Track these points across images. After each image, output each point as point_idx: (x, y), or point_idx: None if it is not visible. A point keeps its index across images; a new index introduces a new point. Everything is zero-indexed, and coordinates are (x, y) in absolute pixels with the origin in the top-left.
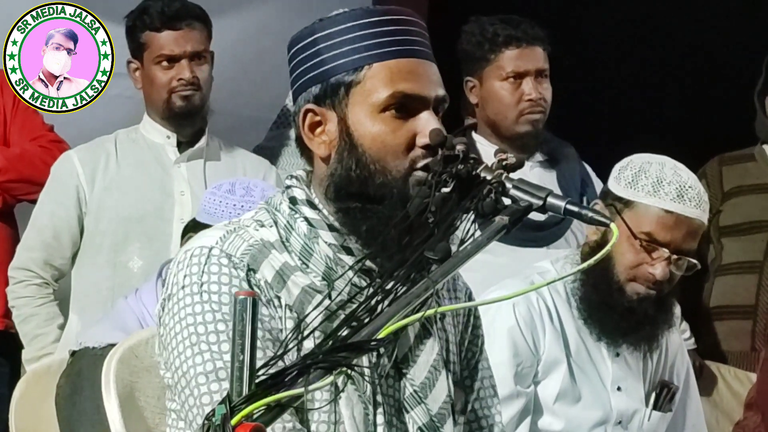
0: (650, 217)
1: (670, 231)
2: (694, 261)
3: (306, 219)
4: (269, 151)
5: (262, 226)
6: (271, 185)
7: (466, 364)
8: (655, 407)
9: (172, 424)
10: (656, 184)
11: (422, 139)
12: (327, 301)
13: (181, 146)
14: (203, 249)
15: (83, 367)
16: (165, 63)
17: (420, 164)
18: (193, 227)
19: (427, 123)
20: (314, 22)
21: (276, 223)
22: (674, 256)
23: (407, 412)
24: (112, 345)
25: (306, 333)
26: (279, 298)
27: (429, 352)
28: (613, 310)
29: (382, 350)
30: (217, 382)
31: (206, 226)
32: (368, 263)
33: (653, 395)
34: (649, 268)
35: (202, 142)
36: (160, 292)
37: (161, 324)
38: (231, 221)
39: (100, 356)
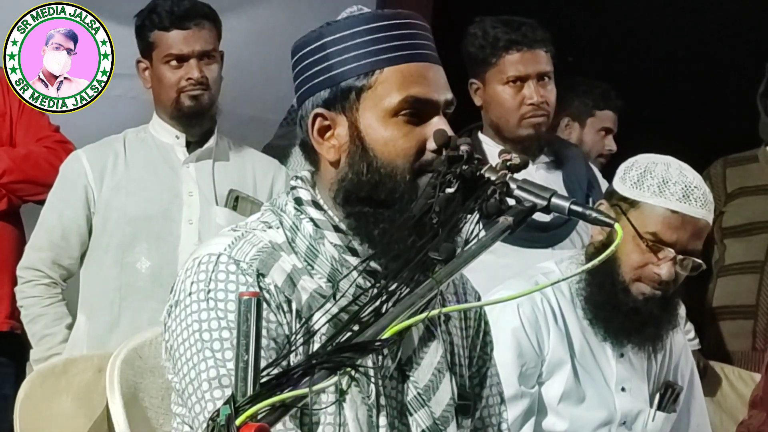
0: (656, 218)
1: (676, 231)
2: (699, 261)
3: (312, 220)
4: (279, 149)
5: (270, 227)
6: None
7: (477, 372)
8: (659, 408)
9: (178, 428)
10: (662, 185)
11: (433, 144)
12: (332, 305)
13: (190, 146)
14: (211, 256)
15: None
16: (174, 62)
17: (430, 168)
18: None
19: (437, 128)
20: (321, 26)
21: (282, 224)
22: (679, 257)
23: (411, 414)
24: None
25: (312, 337)
26: (290, 302)
27: (433, 355)
28: (618, 311)
29: (385, 352)
30: (221, 389)
31: None
32: (373, 264)
33: (657, 396)
34: (654, 269)
35: (211, 142)
36: None
37: (167, 330)
38: (238, 225)
39: None
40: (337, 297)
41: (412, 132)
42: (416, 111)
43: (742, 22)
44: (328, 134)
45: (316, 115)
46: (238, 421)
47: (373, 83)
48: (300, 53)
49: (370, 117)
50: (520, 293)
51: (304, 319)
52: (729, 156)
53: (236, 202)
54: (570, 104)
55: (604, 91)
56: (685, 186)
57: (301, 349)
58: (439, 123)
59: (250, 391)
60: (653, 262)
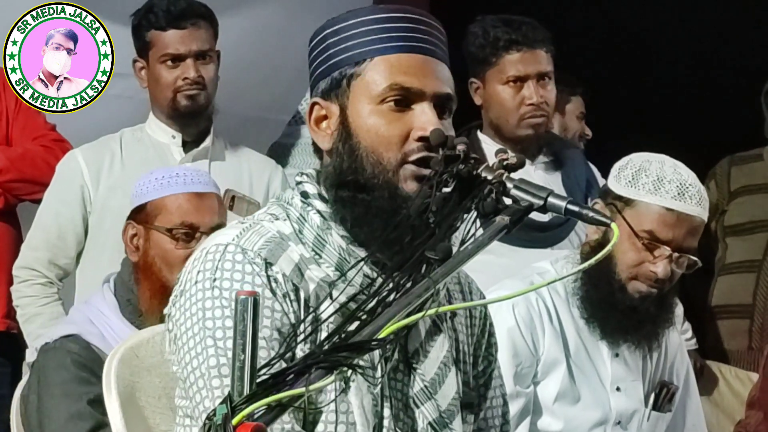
0: (651, 216)
1: (672, 229)
2: (695, 259)
3: (318, 212)
4: (287, 148)
5: (277, 219)
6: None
7: (482, 372)
8: (654, 407)
9: (180, 422)
10: (657, 183)
11: (417, 132)
12: (341, 295)
13: (187, 146)
14: (219, 246)
15: (40, 360)
16: (170, 62)
17: (413, 157)
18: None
19: (422, 116)
20: (327, 20)
21: (288, 216)
22: (675, 254)
23: (417, 407)
24: (65, 336)
25: (319, 328)
26: (297, 290)
27: (439, 349)
28: (615, 309)
29: (389, 347)
30: (219, 378)
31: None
32: (379, 255)
33: (652, 395)
34: (650, 267)
35: (207, 142)
36: (107, 294)
37: (170, 320)
38: (245, 218)
39: (53, 348)
40: (342, 289)
41: (397, 120)
42: (402, 99)
43: (745, 19)
44: (324, 123)
45: (314, 104)
46: (234, 421)
47: (362, 71)
48: (309, 47)
49: (358, 104)
50: (515, 293)
51: (311, 309)
52: (735, 154)
53: (232, 201)
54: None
55: (568, 77)
56: (680, 184)
57: (309, 338)
58: (424, 112)
59: (246, 391)
60: (649, 261)
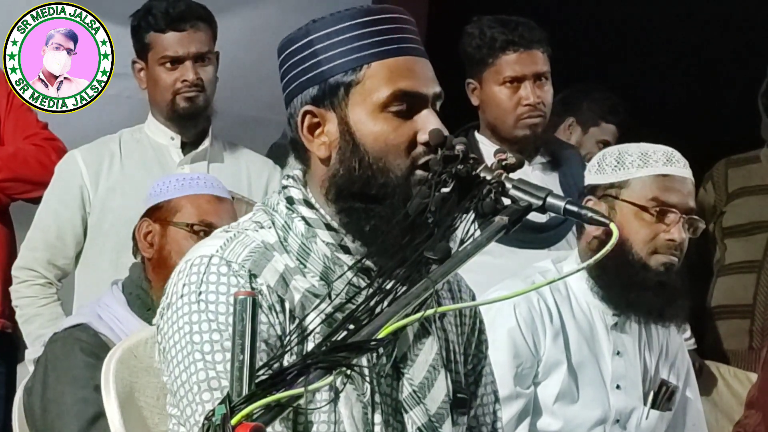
0: (650, 185)
1: (673, 192)
2: (700, 219)
3: (303, 218)
4: (285, 148)
5: (261, 227)
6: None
7: (472, 370)
8: (653, 406)
9: (173, 429)
10: (643, 157)
11: (423, 136)
12: (326, 304)
13: (185, 147)
14: (203, 258)
15: (48, 350)
16: (169, 64)
17: (421, 161)
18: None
19: (427, 120)
20: (308, 23)
21: (274, 223)
22: (684, 217)
23: (406, 412)
24: (73, 326)
25: (306, 336)
26: (282, 302)
27: (428, 352)
28: (646, 288)
29: (381, 350)
30: (210, 392)
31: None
32: (367, 262)
33: (652, 394)
34: (666, 235)
35: (206, 143)
36: (116, 293)
37: (159, 332)
38: (230, 226)
39: (61, 337)
40: (332, 297)
41: (402, 126)
42: (405, 105)
43: (743, 20)
44: (318, 131)
45: (306, 113)
46: (233, 421)
47: (361, 78)
48: (287, 51)
49: (360, 112)
50: (516, 293)
51: (297, 320)
52: (732, 157)
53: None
54: (578, 107)
55: (614, 104)
56: (664, 152)
57: (295, 349)
58: (428, 116)
59: (245, 391)
60: (663, 230)
